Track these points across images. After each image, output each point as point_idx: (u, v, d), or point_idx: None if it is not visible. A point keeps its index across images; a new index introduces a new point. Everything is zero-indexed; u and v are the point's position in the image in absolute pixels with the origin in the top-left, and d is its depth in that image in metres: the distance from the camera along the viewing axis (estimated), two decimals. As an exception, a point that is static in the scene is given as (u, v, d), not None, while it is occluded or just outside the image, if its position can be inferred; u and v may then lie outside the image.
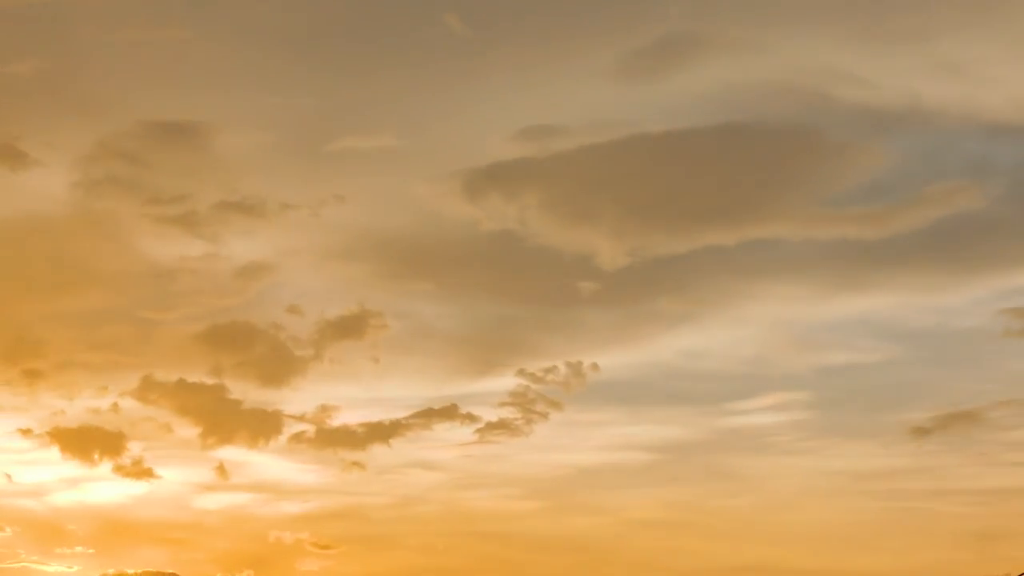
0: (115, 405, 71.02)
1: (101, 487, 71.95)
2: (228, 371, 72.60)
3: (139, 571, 70.09)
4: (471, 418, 74.20)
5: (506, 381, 75.40)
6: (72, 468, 71.00)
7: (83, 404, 71.24)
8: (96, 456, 70.51)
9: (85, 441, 70.51)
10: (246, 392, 72.80)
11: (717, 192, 76.87)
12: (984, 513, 70.02)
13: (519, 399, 74.43)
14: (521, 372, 75.01)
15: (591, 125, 76.26)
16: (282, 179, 77.30)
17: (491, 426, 74.26)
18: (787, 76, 75.24)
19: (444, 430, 74.62)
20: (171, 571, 70.44)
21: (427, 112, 77.71)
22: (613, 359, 76.70)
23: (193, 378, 72.19)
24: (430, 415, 74.40)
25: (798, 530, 72.57)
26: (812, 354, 76.46)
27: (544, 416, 74.45)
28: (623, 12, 76.23)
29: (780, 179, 77.18)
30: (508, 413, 74.39)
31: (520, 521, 73.67)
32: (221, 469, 72.37)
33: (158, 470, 71.63)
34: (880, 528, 71.11)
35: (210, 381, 72.20)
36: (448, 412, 74.37)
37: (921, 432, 71.94)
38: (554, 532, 73.41)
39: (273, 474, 74.37)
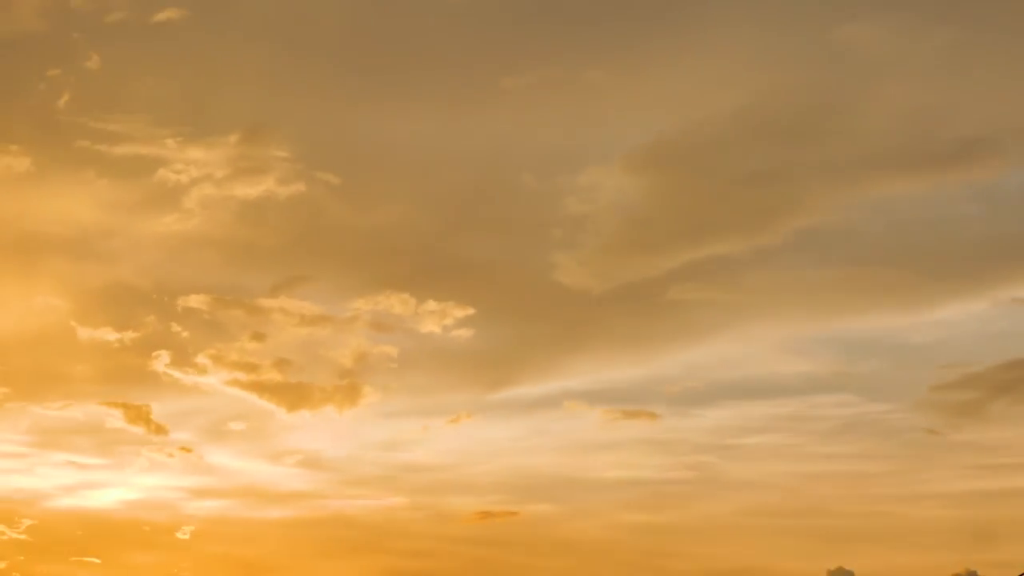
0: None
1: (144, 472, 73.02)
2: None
3: None
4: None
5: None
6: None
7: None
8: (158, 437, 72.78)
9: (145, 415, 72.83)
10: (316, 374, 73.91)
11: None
12: (972, 516, 69.83)
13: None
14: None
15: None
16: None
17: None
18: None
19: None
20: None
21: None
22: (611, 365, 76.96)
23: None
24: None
25: (791, 533, 72.67)
26: (807, 360, 76.56)
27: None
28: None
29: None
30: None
31: (513, 524, 74.13)
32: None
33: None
34: (872, 530, 71.00)
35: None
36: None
37: (923, 433, 71.98)
38: (547, 535, 73.83)
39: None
